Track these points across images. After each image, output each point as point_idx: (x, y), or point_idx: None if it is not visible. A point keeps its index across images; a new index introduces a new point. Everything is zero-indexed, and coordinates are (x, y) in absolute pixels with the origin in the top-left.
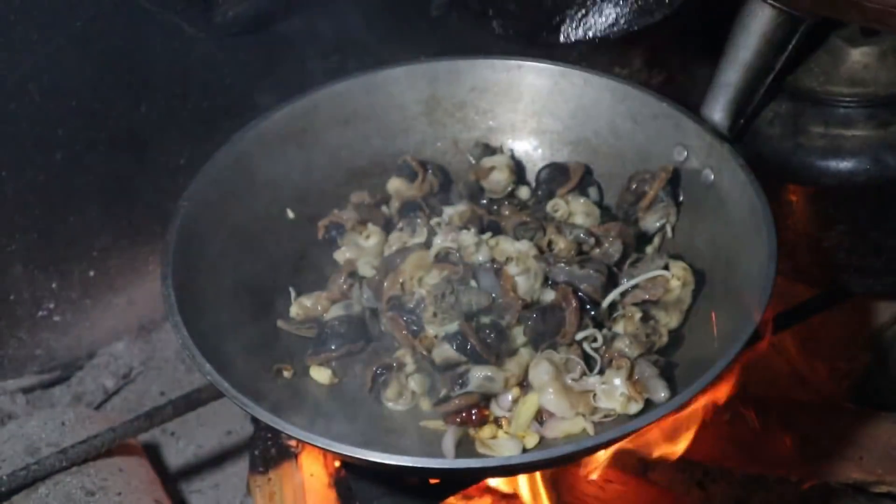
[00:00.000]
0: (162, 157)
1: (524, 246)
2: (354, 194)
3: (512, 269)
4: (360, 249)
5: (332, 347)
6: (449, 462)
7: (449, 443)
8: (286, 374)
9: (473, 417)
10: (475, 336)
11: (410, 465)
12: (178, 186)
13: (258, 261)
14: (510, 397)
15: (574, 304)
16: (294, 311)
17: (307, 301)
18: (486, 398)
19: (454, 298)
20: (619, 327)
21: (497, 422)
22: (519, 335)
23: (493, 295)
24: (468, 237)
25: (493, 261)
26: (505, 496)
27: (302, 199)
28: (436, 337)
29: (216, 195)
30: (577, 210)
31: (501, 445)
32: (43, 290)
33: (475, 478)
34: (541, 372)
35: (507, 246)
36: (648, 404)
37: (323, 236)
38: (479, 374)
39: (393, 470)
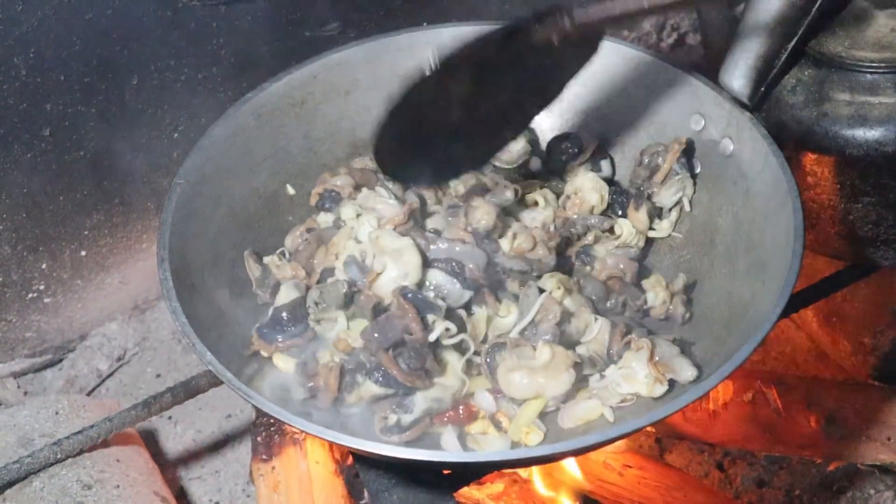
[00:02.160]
0: (155, 132)
1: (403, 242)
2: (357, 159)
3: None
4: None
5: (280, 339)
6: (466, 455)
7: (450, 440)
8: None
9: (461, 415)
10: (396, 366)
11: (426, 458)
12: (172, 161)
13: (259, 240)
14: (489, 397)
15: (412, 314)
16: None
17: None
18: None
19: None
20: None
21: (494, 418)
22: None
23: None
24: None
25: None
26: (519, 481)
27: (302, 174)
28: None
29: (213, 171)
30: (585, 186)
31: (490, 443)
32: (33, 271)
33: (491, 469)
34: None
35: (387, 242)
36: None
37: (317, 204)
38: (420, 404)
39: (405, 463)
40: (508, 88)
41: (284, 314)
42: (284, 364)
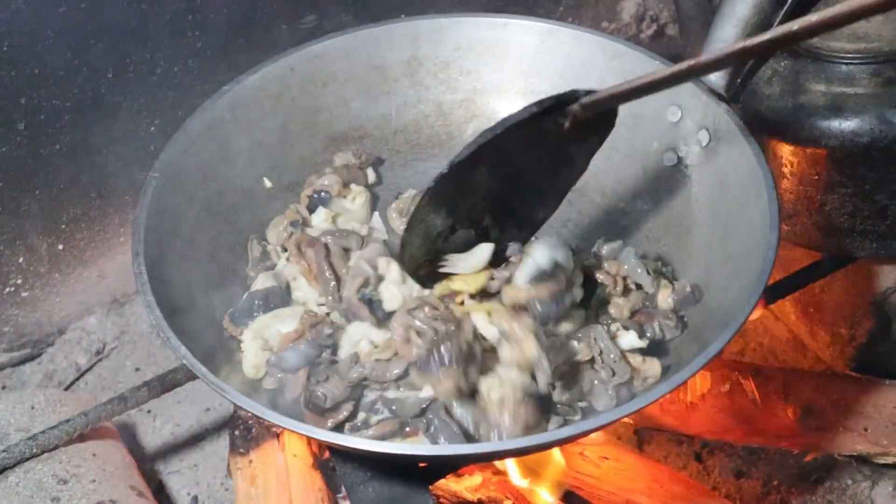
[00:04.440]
0: (131, 125)
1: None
2: (338, 156)
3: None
4: (348, 212)
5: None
6: (439, 448)
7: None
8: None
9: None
10: None
11: (399, 452)
12: (149, 154)
13: (235, 233)
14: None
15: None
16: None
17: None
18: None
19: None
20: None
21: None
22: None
23: None
24: None
25: None
26: (497, 473)
27: (279, 167)
28: None
29: (188, 165)
30: None
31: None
32: (9, 265)
33: (466, 462)
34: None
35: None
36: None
37: (308, 206)
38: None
39: (380, 457)
40: (528, 176)
41: (257, 300)
42: (248, 343)
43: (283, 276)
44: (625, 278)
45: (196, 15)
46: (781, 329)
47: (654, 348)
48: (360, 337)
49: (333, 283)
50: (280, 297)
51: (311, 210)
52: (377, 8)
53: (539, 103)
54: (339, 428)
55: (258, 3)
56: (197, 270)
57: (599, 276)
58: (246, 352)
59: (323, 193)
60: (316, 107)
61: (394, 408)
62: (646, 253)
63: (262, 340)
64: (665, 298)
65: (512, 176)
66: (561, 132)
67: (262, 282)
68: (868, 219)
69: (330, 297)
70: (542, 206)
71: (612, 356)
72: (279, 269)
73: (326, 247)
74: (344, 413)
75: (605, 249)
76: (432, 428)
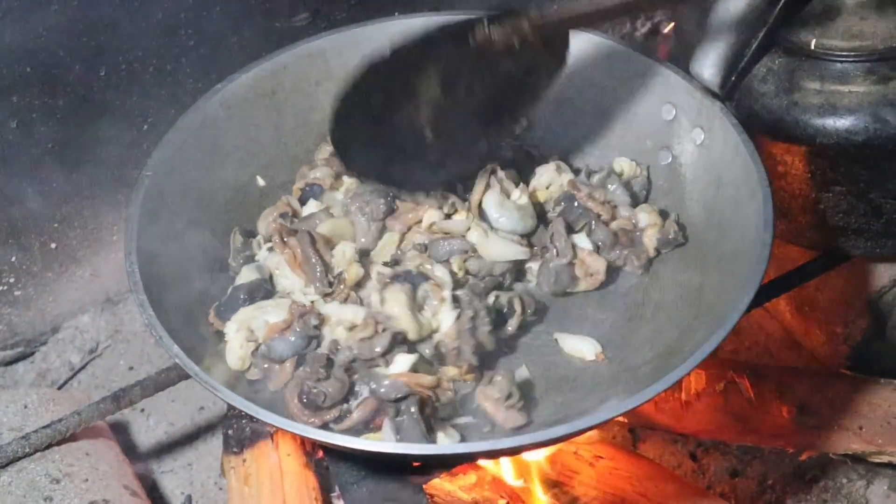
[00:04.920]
0: (124, 123)
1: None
2: (323, 148)
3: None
4: (339, 205)
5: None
6: (432, 448)
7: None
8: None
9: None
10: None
11: (392, 451)
12: (141, 152)
13: (228, 232)
14: None
15: None
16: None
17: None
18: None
19: None
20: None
21: None
22: None
23: None
24: None
25: None
26: (491, 472)
27: (272, 166)
28: None
29: (181, 163)
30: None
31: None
32: (2, 264)
33: (460, 461)
34: None
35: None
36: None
37: (300, 199)
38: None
39: (373, 456)
40: (478, 95)
41: (242, 294)
42: (232, 335)
43: (265, 268)
44: (611, 203)
45: (188, 13)
46: (776, 327)
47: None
48: (335, 321)
49: (321, 269)
50: (264, 289)
51: (303, 202)
52: (371, 5)
53: (489, 13)
54: (328, 426)
55: (251, 1)
56: (190, 269)
57: (587, 203)
58: (230, 343)
59: (315, 186)
60: (309, 105)
61: (373, 385)
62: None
63: (246, 331)
64: (651, 235)
65: (457, 91)
66: (511, 52)
67: (246, 275)
68: (863, 217)
69: (318, 284)
70: (486, 137)
71: (562, 241)
72: (261, 260)
73: (311, 234)
74: (336, 412)
75: (595, 179)
76: (402, 420)
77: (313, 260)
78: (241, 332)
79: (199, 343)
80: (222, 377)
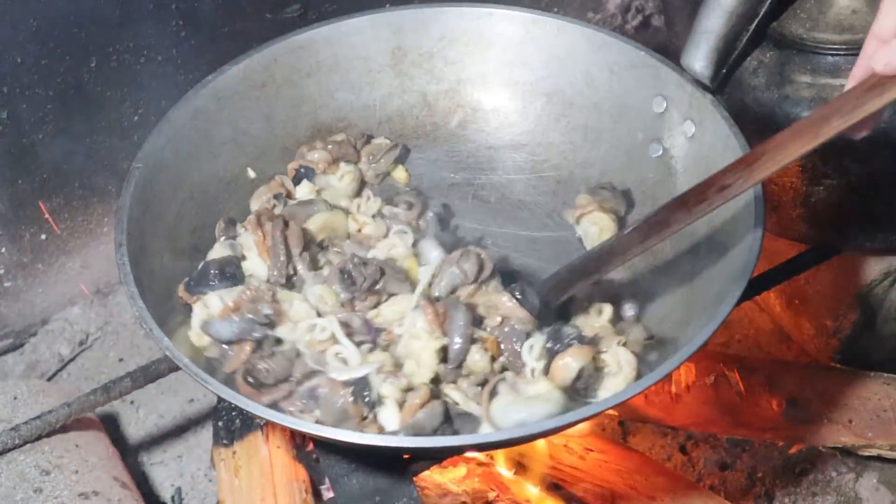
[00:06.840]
0: (115, 114)
1: None
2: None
3: None
4: (333, 189)
5: (204, 294)
6: (422, 440)
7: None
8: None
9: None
10: None
11: (382, 443)
12: (132, 144)
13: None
14: None
15: None
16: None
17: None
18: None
19: None
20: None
21: None
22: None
23: None
24: None
25: None
26: (482, 464)
27: (263, 157)
28: None
29: (172, 155)
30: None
31: None
32: None
33: (449, 454)
34: None
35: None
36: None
37: (293, 179)
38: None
39: (363, 448)
40: None
41: (213, 269)
42: (199, 312)
43: (238, 246)
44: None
45: (180, 4)
46: (766, 321)
47: None
48: (301, 318)
49: (283, 258)
50: (235, 266)
51: (296, 182)
52: None
53: None
54: (276, 405)
55: None
56: (180, 260)
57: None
58: (194, 318)
59: (309, 169)
60: (300, 97)
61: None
62: None
63: (208, 311)
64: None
65: None
66: None
67: (218, 250)
68: (853, 211)
69: (275, 272)
70: None
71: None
72: (238, 239)
73: (285, 221)
74: (283, 392)
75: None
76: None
77: (280, 247)
78: (204, 311)
79: (187, 335)
80: (184, 350)
